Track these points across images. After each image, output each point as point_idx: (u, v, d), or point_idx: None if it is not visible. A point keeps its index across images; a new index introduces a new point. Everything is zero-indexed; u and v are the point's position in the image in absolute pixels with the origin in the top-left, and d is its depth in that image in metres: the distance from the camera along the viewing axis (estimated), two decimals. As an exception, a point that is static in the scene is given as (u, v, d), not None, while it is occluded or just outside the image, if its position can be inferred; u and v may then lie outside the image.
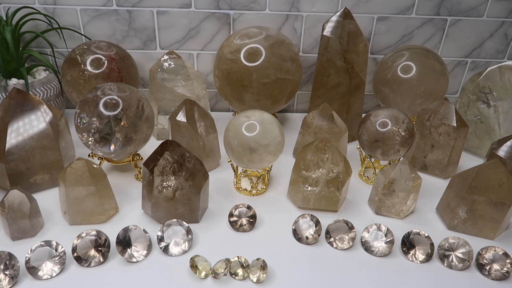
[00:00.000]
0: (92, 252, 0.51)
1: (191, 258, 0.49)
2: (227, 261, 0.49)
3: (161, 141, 0.61)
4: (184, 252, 0.53)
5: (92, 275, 0.49)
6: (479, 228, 0.58)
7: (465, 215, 0.58)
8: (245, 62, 0.75)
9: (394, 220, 0.61)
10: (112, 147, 0.60)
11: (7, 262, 0.47)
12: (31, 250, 0.48)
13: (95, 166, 0.56)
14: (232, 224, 0.58)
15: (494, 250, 0.52)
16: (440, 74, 0.81)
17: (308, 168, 0.60)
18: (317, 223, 0.56)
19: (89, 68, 0.74)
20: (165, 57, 0.79)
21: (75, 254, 0.50)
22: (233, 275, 0.49)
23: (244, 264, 0.49)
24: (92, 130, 0.59)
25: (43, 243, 0.49)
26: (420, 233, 0.54)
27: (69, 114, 0.91)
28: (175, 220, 0.54)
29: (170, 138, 0.69)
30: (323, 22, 0.88)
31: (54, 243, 0.50)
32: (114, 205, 0.60)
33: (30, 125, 0.62)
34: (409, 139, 0.64)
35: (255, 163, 0.61)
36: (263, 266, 0.49)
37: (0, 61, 0.75)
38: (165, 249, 0.52)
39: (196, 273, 0.48)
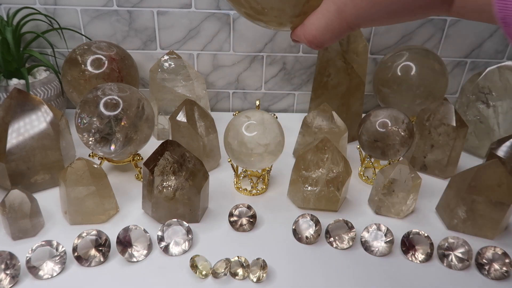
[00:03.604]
0: (93, 251, 0.51)
1: (191, 258, 0.49)
2: (227, 261, 0.49)
3: (161, 141, 0.62)
4: (184, 252, 0.53)
5: (92, 274, 0.49)
6: (478, 228, 0.58)
7: (464, 215, 0.58)
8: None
9: (394, 220, 0.61)
10: (113, 147, 0.60)
11: (8, 262, 0.47)
12: (31, 250, 0.48)
13: (95, 166, 0.56)
14: (232, 224, 0.58)
15: (494, 250, 0.52)
16: (439, 74, 0.81)
17: (308, 168, 0.60)
18: (317, 223, 0.56)
19: (89, 68, 0.74)
20: (165, 57, 0.79)
21: (76, 254, 0.50)
22: (233, 275, 0.49)
23: (244, 264, 0.49)
24: (93, 130, 0.59)
25: (43, 242, 0.49)
26: (420, 233, 0.54)
27: (69, 114, 0.91)
28: (175, 220, 0.54)
29: (170, 138, 0.69)
30: (323, 22, 0.88)
31: (54, 243, 0.50)
32: (114, 205, 0.60)
33: (30, 125, 0.62)
34: (409, 139, 0.64)
35: (255, 163, 0.61)
36: (263, 266, 0.49)
37: (1, 61, 0.75)
38: (165, 249, 0.53)
39: (196, 272, 0.49)
